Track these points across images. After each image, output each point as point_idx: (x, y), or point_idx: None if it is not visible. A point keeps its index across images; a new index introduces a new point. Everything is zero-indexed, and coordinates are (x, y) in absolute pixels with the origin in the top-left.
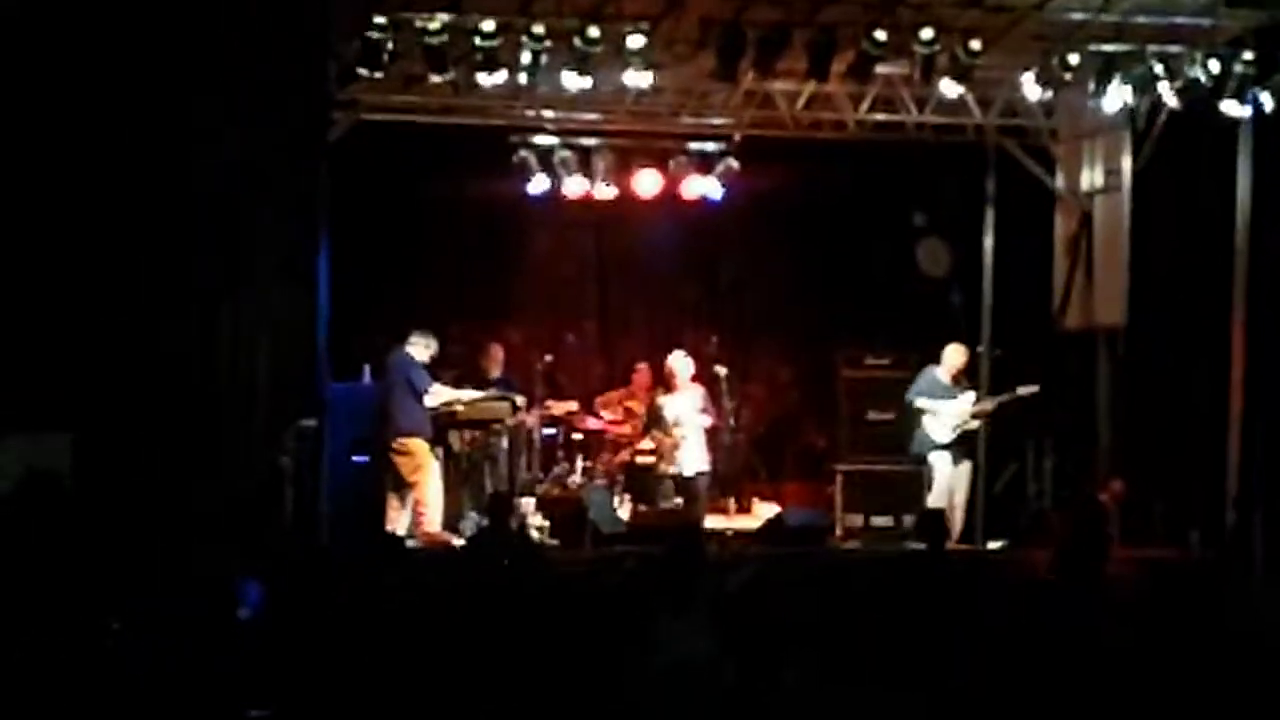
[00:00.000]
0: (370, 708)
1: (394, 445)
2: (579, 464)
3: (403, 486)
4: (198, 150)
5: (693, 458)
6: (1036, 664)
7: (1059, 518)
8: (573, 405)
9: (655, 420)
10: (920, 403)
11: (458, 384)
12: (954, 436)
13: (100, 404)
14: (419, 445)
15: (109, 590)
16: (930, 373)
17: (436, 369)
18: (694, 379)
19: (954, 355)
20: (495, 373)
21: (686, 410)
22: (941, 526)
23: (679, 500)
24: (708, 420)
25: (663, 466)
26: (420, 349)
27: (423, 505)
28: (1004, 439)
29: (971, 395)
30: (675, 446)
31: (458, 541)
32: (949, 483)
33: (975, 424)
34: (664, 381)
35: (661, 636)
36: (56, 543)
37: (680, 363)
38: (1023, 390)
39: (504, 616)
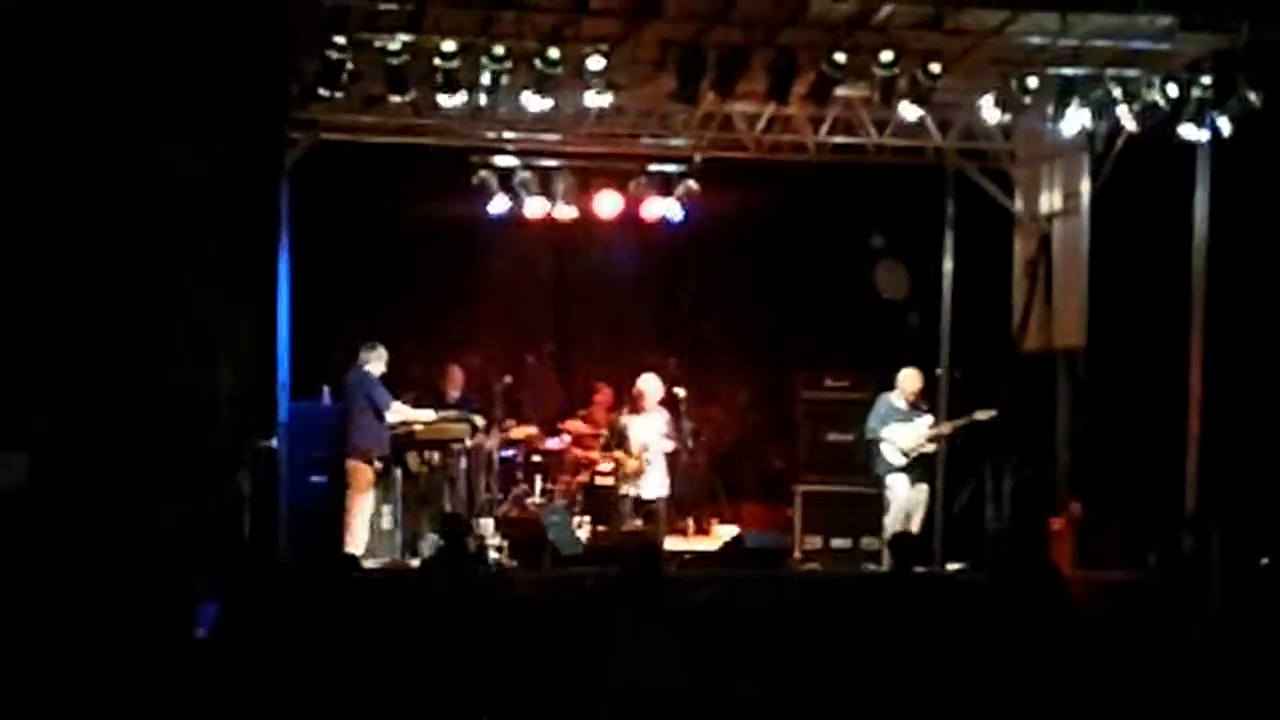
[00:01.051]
0: None
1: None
2: (538, 485)
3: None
4: (155, 167)
5: (654, 482)
6: (986, 682)
7: (996, 537)
8: (532, 429)
9: (618, 440)
10: (880, 434)
11: (416, 404)
12: (911, 459)
13: (57, 423)
14: (361, 469)
15: (68, 609)
16: (885, 400)
17: (395, 389)
18: (660, 403)
19: (908, 380)
20: (454, 394)
21: (652, 435)
22: (913, 548)
23: (638, 521)
24: (670, 445)
25: (623, 488)
26: (376, 363)
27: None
28: (962, 460)
29: (929, 419)
30: (639, 471)
31: (414, 562)
32: (906, 504)
33: (932, 447)
34: (631, 402)
35: (620, 655)
36: (14, 561)
37: (650, 384)
38: (980, 415)
39: (458, 637)
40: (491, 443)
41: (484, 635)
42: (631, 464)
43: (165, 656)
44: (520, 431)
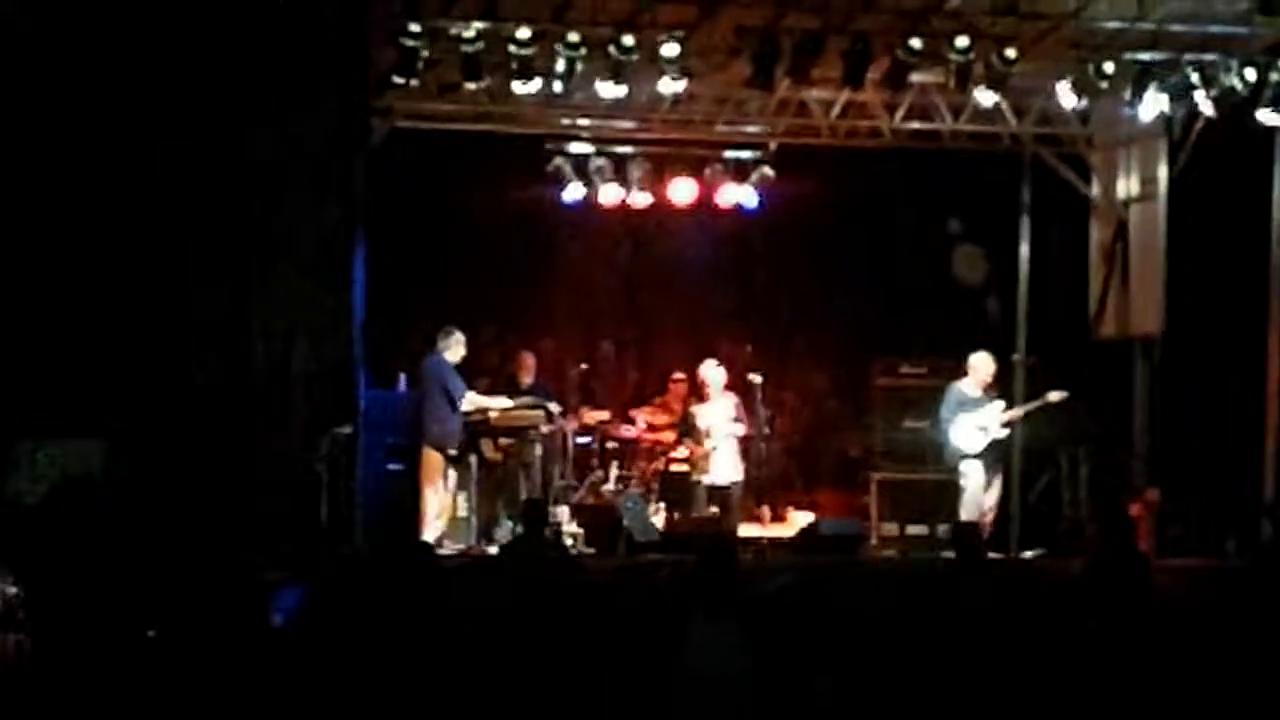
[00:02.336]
0: (402, 713)
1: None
2: (613, 472)
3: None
4: (235, 154)
5: (725, 467)
6: (1069, 670)
7: (1092, 528)
8: (605, 414)
9: (688, 429)
10: (952, 422)
11: (490, 391)
12: (985, 445)
13: (135, 410)
14: (434, 458)
15: (144, 597)
16: (956, 388)
17: (470, 376)
18: (728, 387)
19: (980, 364)
20: (527, 380)
21: (719, 420)
22: (974, 539)
23: (713, 509)
24: (740, 429)
25: (696, 476)
26: (454, 350)
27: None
28: (1039, 448)
29: (1000, 404)
30: (706, 456)
31: (492, 550)
32: (980, 491)
33: (1005, 432)
34: (697, 390)
35: (696, 643)
36: (91, 549)
37: (712, 372)
38: (1052, 396)
39: (538, 624)
40: (568, 429)
41: (561, 620)
42: (699, 451)
43: (241, 644)
44: (593, 416)
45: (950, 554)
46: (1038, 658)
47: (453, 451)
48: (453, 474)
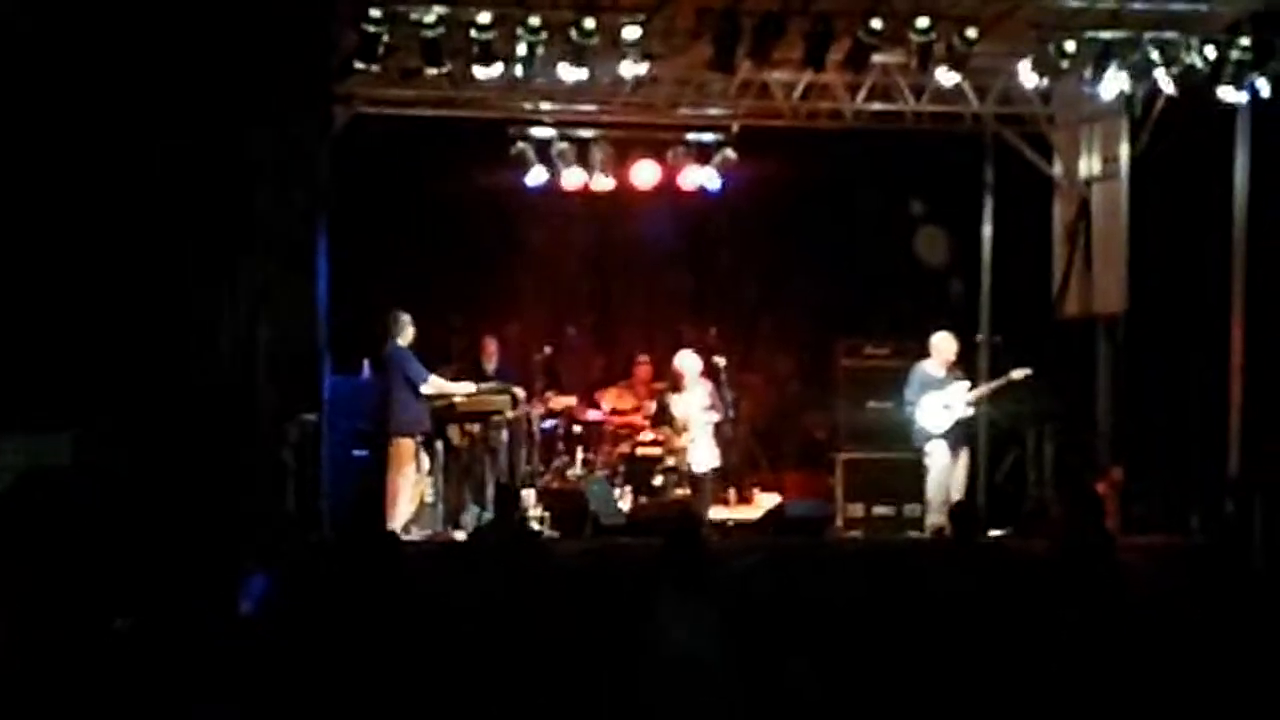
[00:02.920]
0: (373, 700)
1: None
2: (579, 456)
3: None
4: (199, 144)
5: (703, 455)
6: (1042, 651)
7: (1057, 509)
8: (571, 400)
9: (664, 418)
10: (917, 402)
11: (455, 377)
12: (950, 425)
13: (101, 400)
14: (404, 445)
15: (112, 586)
16: (920, 369)
17: (435, 362)
18: (701, 375)
19: (943, 344)
20: (490, 365)
21: (695, 409)
22: (973, 518)
23: (684, 491)
24: (716, 416)
25: (670, 461)
26: (405, 334)
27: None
28: (1004, 428)
29: (965, 384)
30: (684, 449)
31: (458, 535)
32: (946, 472)
33: (970, 412)
34: (672, 382)
35: (664, 624)
36: (58, 539)
37: (687, 361)
38: (1016, 374)
39: (507, 608)
40: (533, 413)
41: (530, 605)
42: (676, 441)
43: (209, 631)
44: (559, 402)
45: (916, 534)
46: (1010, 639)
47: (420, 437)
48: (425, 459)
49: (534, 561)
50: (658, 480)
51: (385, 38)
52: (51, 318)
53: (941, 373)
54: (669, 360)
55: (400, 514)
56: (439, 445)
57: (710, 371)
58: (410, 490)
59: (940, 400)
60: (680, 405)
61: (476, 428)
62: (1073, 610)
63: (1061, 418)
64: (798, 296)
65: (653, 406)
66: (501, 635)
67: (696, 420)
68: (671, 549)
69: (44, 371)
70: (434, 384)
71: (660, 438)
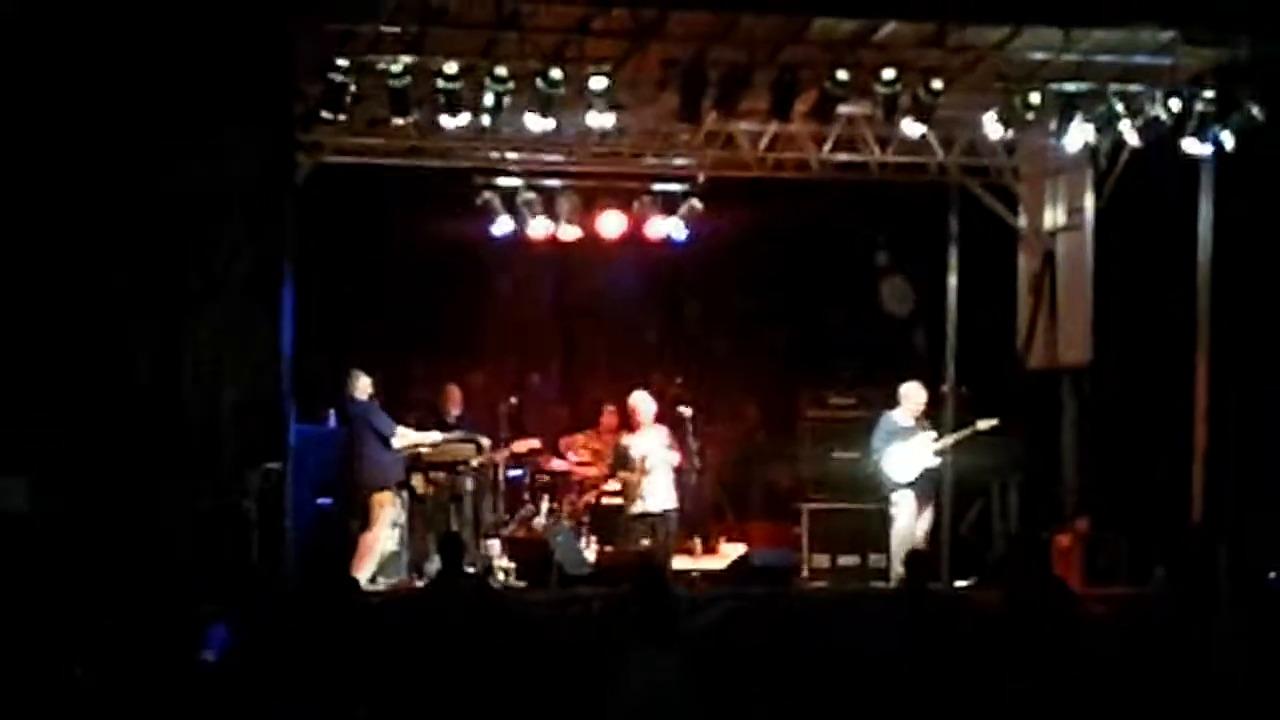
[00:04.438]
0: None
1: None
2: (544, 505)
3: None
4: (160, 186)
5: (660, 494)
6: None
7: (1010, 557)
8: (535, 442)
9: (622, 461)
10: (884, 452)
11: (419, 425)
12: (917, 475)
13: (62, 445)
14: (383, 499)
15: (71, 634)
16: (888, 418)
17: (398, 410)
18: (657, 419)
19: (913, 394)
20: (454, 412)
21: (653, 447)
22: (928, 568)
23: (645, 541)
24: (676, 457)
25: (632, 507)
26: (362, 389)
27: (361, 553)
28: (970, 478)
29: (932, 434)
30: (639, 484)
31: (419, 584)
32: (911, 521)
33: (937, 461)
34: (626, 421)
35: (631, 673)
36: (17, 585)
37: (643, 402)
38: (982, 424)
39: (462, 657)
40: (499, 461)
41: (488, 655)
42: (635, 478)
43: (171, 679)
44: (523, 445)
45: (881, 584)
46: (966, 683)
47: (396, 488)
48: (402, 512)
49: (486, 611)
50: (623, 529)
51: (352, 87)
52: (12, 362)
53: (910, 422)
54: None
55: (369, 567)
56: (404, 495)
57: (676, 421)
58: (381, 545)
59: (907, 449)
60: (638, 446)
61: (442, 476)
62: (1021, 656)
63: (1027, 468)
64: (763, 346)
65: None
66: (458, 683)
67: (655, 458)
68: (637, 600)
69: (1, 416)
70: (402, 435)
71: (622, 486)
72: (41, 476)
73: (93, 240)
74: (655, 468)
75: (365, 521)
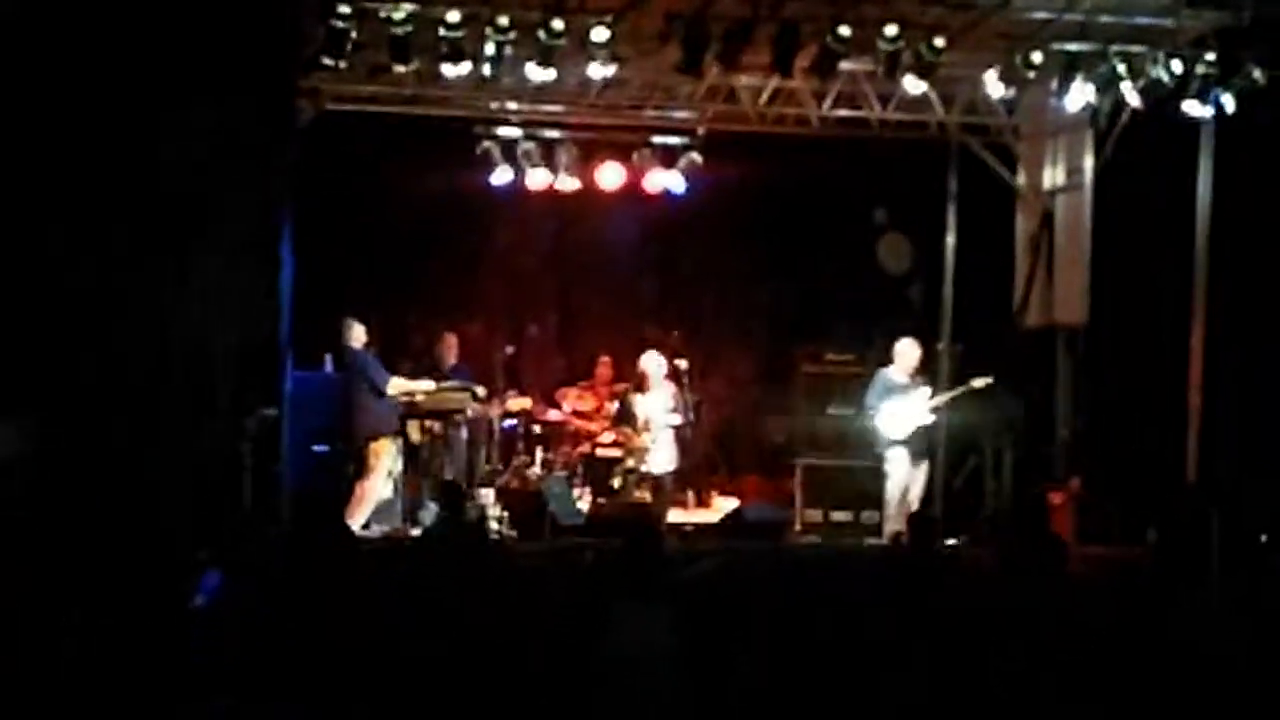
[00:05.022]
0: (326, 696)
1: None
2: (538, 456)
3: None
4: (160, 134)
5: (663, 457)
6: (983, 657)
7: (1004, 515)
8: (527, 401)
9: (626, 418)
10: (878, 409)
11: (414, 374)
12: (911, 432)
13: (56, 392)
14: (381, 446)
15: (66, 578)
16: (883, 375)
17: (394, 358)
18: (665, 377)
19: (907, 351)
20: (451, 361)
21: (657, 411)
22: (933, 532)
23: (640, 495)
24: (678, 419)
25: (630, 462)
26: (357, 337)
27: (357, 500)
28: (964, 436)
29: (927, 390)
30: (645, 449)
31: (416, 532)
32: (905, 479)
33: (931, 418)
34: (636, 380)
35: (620, 625)
36: (14, 530)
37: (652, 362)
38: (976, 382)
39: (457, 606)
40: (493, 413)
41: (482, 604)
42: (638, 441)
43: (162, 625)
44: (517, 404)
45: (873, 540)
46: (959, 642)
47: (393, 435)
48: (399, 460)
49: (485, 560)
50: (617, 481)
51: (353, 34)
52: (6, 309)
53: (904, 379)
54: (631, 361)
55: (363, 514)
56: (399, 442)
57: (672, 374)
58: (377, 493)
59: (902, 406)
60: (643, 406)
61: (437, 425)
62: (1014, 614)
63: (1021, 427)
64: (760, 301)
65: (614, 407)
66: (451, 633)
67: (658, 421)
68: (629, 552)
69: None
70: (395, 385)
71: (620, 438)
72: (36, 422)
73: (92, 186)
74: (657, 432)
75: (361, 469)
